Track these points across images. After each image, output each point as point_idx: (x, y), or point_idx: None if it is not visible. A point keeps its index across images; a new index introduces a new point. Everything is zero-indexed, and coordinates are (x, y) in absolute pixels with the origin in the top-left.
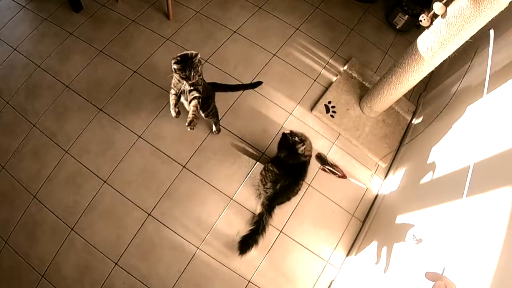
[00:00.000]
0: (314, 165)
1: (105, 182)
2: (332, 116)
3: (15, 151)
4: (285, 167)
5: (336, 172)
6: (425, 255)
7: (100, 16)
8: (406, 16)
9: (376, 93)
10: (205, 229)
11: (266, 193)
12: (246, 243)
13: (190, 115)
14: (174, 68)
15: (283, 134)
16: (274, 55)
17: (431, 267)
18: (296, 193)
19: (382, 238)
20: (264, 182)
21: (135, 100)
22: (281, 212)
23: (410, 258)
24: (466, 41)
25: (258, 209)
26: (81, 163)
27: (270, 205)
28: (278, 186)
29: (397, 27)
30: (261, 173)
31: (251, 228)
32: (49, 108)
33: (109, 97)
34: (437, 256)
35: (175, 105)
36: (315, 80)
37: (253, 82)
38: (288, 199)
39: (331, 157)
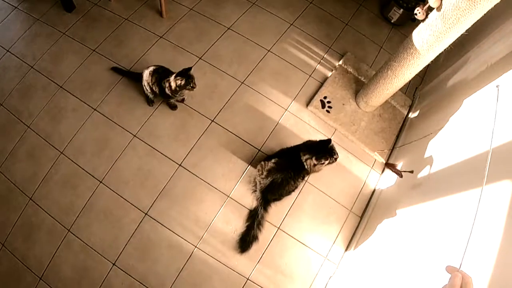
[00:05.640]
0: None
1: (101, 182)
2: (328, 111)
3: (10, 153)
4: (284, 164)
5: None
6: (422, 250)
7: (93, 15)
8: (401, 10)
9: (372, 87)
10: (203, 227)
11: (261, 184)
12: (245, 241)
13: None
14: (180, 84)
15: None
16: (268, 51)
17: (449, 261)
18: (289, 193)
19: (380, 232)
20: (261, 172)
21: (130, 99)
22: (278, 209)
23: (408, 252)
24: (462, 34)
25: (254, 204)
26: (76, 164)
27: (264, 198)
28: (272, 178)
29: (392, 21)
30: (260, 163)
31: (247, 224)
32: (43, 109)
33: (103, 97)
34: (434, 251)
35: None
36: (310, 76)
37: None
38: (281, 195)
39: None
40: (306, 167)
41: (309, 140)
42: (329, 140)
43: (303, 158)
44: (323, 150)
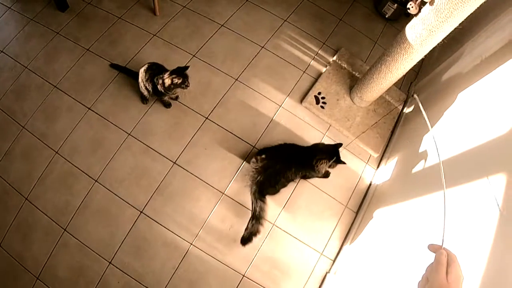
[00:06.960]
0: None
1: (96, 181)
2: (322, 107)
3: (5, 154)
4: (279, 155)
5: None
6: (418, 246)
7: (86, 14)
8: (395, 5)
9: (366, 82)
10: (198, 224)
11: (256, 177)
12: (246, 234)
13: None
14: (176, 83)
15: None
16: (262, 47)
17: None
18: (284, 185)
19: (376, 227)
20: (255, 165)
21: (124, 98)
22: (273, 205)
23: (403, 249)
24: (456, 28)
25: (251, 199)
26: (71, 163)
27: (260, 191)
28: (266, 170)
29: (386, 16)
30: (255, 156)
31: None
32: (38, 109)
33: (98, 96)
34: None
35: None
36: (304, 72)
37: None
38: (274, 186)
39: None
40: (315, 169)
41: (320, 143)
42: (340, 144)
43: (317, 159)
44: (335, 154)
